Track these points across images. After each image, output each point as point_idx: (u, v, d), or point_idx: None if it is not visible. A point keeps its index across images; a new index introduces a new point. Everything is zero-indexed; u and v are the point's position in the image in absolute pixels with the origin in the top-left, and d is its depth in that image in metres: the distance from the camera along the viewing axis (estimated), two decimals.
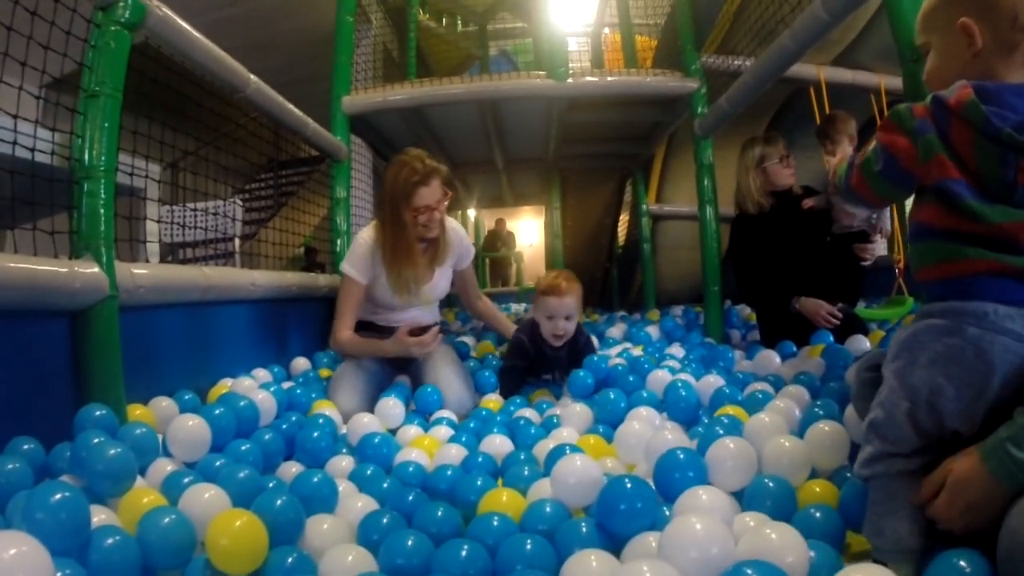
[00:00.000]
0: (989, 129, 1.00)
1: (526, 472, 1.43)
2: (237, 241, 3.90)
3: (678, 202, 5.57)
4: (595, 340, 2.77)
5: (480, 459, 1.56)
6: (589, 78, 3.81)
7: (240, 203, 4.07)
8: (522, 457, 1.56)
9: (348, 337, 2.45)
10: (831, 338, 2.60)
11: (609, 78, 3.85)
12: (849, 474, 1.26)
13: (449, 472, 1.46)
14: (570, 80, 3.73)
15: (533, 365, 2.53)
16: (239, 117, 3.39)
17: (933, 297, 1.08)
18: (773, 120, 4.71)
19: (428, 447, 1.71)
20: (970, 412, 1.01)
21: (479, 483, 1.37)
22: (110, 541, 0.99)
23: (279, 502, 1.15)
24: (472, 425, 1.92)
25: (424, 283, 2.59)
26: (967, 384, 1.01)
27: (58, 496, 0.96)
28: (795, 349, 2.61)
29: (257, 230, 5.41)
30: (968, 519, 0.95)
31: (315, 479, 1.31)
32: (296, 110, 2.82)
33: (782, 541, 0.95)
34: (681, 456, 1.30)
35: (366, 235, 2.53)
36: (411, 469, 1.50)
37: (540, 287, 2.40)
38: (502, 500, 1.29)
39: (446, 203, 2.56)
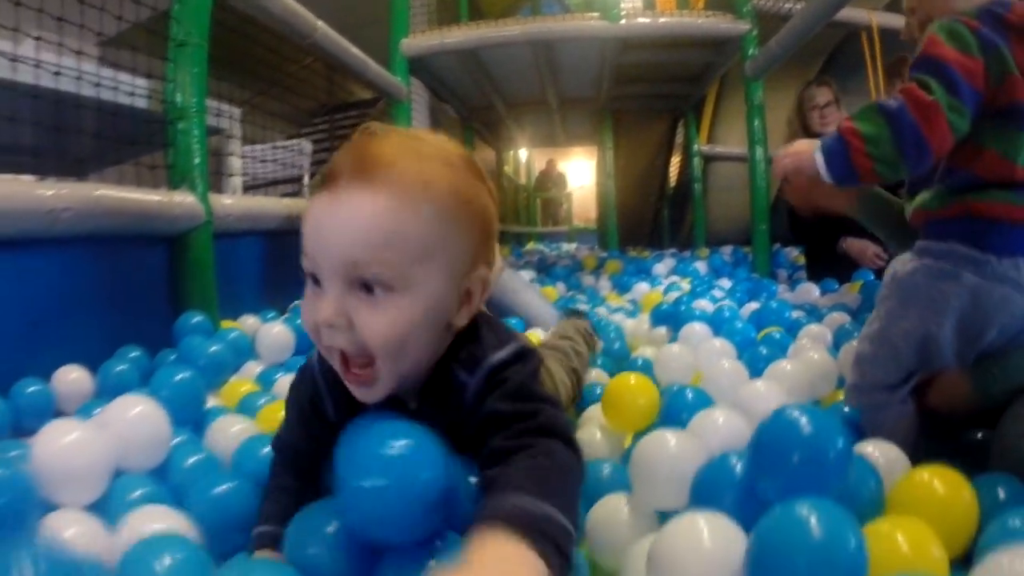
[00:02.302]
0: None
1: None
2: (307, 176, 4.13)
3: (730, 143, 5.59)
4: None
5: None
6: (641, 19, 3.88)
7: (309, 141, 4.29)
8: None
9: None
10: (872, 276, 2.66)
11: (661, 20, 3.91)
12: None
13: None
14: (623, 22, 3.80)
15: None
16: (295, 64, 3.57)
17: (933, 234, 1.03)
18: (827, 63, 4.68)
19: None
20: (963, 356, 1.00)
21: None
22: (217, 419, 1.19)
23: None
24: None
25: None
26: (961, 331, 0.98)
27: (179, 377, 1.18)
28: (838, 287, 2.65)
29: (315, 171, 5.63)
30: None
31: None
32: (360, 53, 2.97)
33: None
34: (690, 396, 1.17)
35: None
36: None
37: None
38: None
39: None
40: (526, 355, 0.73)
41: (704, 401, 1.11)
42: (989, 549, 0.64)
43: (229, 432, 1.06)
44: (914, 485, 0.78)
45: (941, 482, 0.76)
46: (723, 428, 0.94)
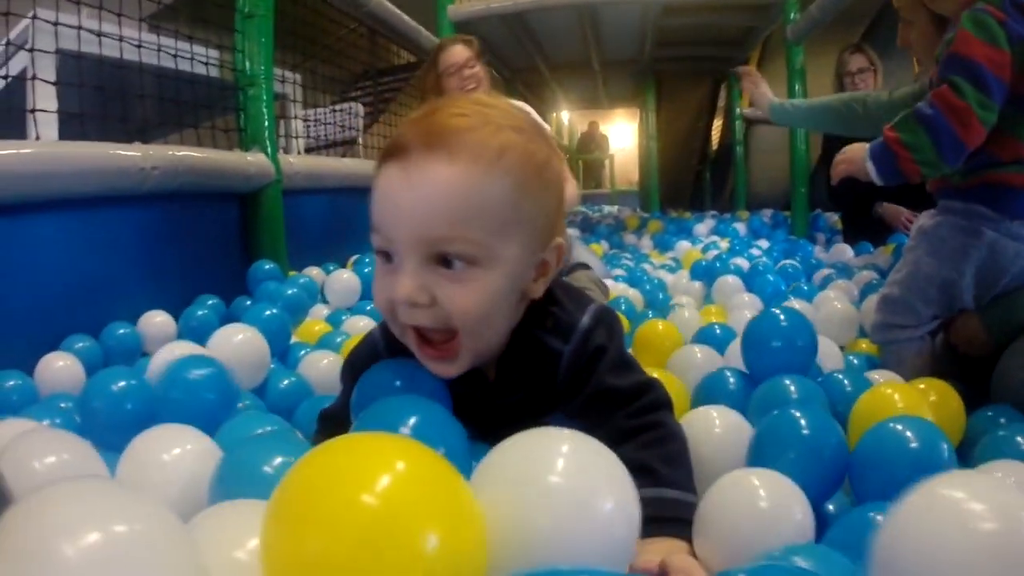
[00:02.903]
0: None
1: None
2: (361, 137, 4.30)
3: None
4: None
5: None
6: None
7: (362, 105, 4.45)
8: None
9: None
10: (906, 240, 2.71)
11: None
12: None
13: None
14: None
15: None
16: (342, 28, 3.69)
17: (955, 197, 1.16)
18: (870, 28, 4.66)
19: None
20: (980, 298, 1.15)
21: None
22: (302, 352, 1.36)
23: None
24: None
25: None
26: (979, 276, 1.13)
27: (267, 312, 1.35)
28: (872, 249, 2.74)
29: (358, 134, 5.76)
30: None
31: None
32: (411, 20, 3.09)
33: None
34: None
35: None
36: None
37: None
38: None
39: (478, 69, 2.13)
40: (607, 315, 0.75)
41: (729, 335, 1.29)
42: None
43: (320, 364, 1.22)
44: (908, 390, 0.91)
45: (933, 390, 0.90)
46: None
